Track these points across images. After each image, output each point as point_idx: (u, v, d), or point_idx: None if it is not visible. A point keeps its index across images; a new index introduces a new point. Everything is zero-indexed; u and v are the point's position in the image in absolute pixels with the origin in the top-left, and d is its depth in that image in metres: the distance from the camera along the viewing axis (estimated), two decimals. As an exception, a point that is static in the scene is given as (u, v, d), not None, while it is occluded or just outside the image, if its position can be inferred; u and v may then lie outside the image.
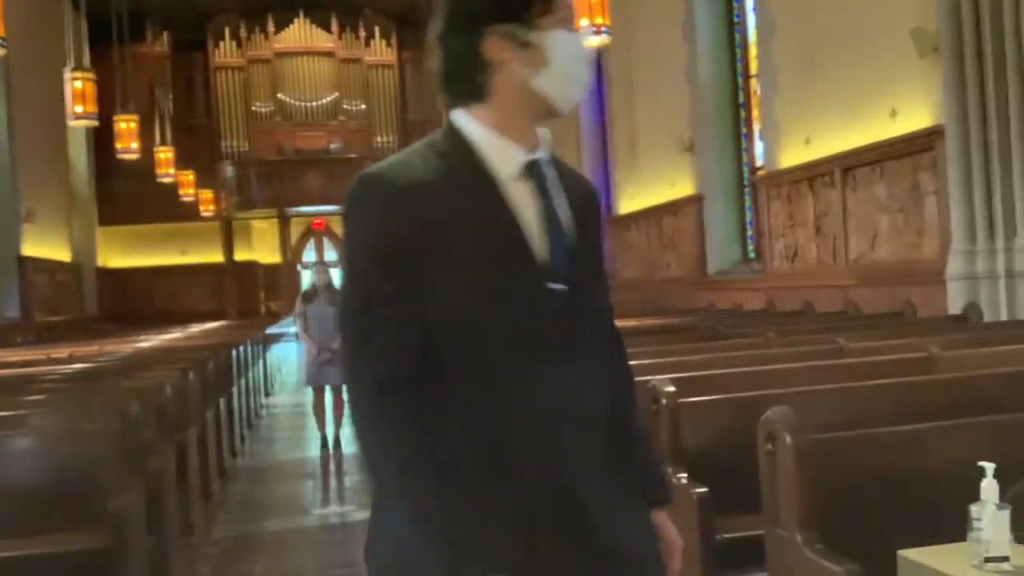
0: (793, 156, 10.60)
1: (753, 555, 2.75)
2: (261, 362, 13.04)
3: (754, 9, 11.94)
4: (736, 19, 13.17)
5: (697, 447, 3.41)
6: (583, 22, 8.74)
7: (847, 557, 2.26)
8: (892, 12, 8.45)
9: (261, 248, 26.52)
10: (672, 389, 3.47)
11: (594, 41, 8.99)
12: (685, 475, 3.29)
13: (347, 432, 8.97)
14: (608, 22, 9.14)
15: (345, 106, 26.71)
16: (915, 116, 8.30)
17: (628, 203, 16.36)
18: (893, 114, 8.61)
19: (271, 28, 26.35)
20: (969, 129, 7.36)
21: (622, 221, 16.77)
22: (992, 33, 7.19)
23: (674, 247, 14.26)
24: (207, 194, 24.07)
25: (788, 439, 2.44)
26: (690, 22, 13.29)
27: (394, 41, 27.07)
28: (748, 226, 13.07)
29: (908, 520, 2.33)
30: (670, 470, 3.36)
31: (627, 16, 14.18)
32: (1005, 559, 1.56)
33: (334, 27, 26.64)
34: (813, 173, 10.13)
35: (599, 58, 17.39)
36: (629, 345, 6.03)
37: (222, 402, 7.58)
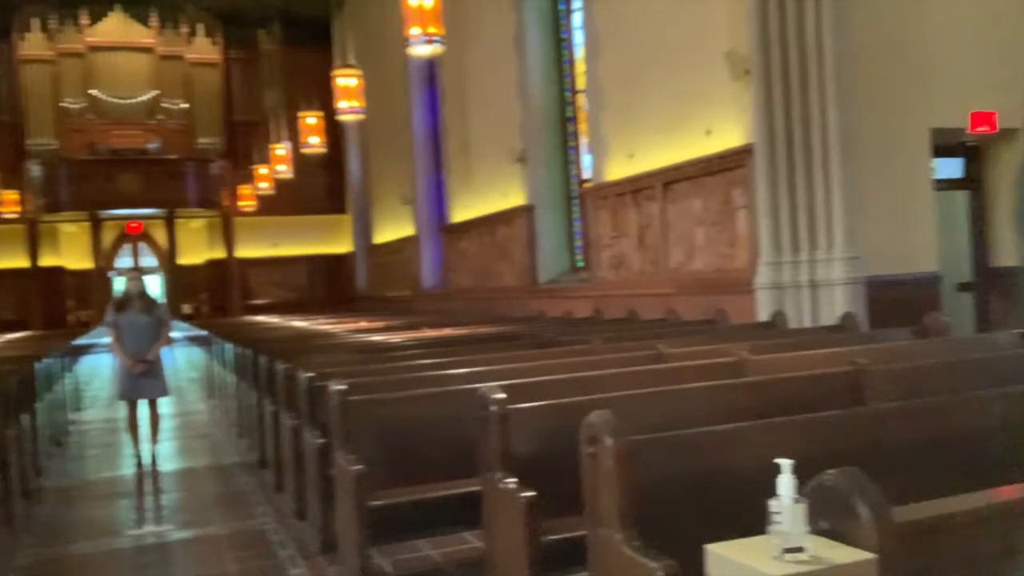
0: (618, 170, 11.02)
1: (578, 556, 2.83)
2: (69, 375, 12.20)
3: (581, 27, 12.34)
4: (564, 36, 13.56)
5: (527, 452, 3.47)
6: (415, 31, 8.75)
7: (665, 554, 2.37)
8: (708, 36, 8.96)
9: (70, 253, 24.81)
10: (502, 396, 3.52)
11: (426, 50, 9.01)
12: (514, 480, 3.35)
13: (164, 448, 8.53)
14: (442, 31, 9.19)
15: (165, 104, 25.48)
16: (729, 135, 8.83)
17: (462, 212, 16.48)
18: (709, 133, 9.12)
19: (85, 20, 24.78)
20: (776, 149, 7.91)
21: (455, 230, 16.87)
22: (797, 59, 7.77)
23: (507, 256, 14.49)
24: (11, 195, 22.37)
25: (608, 441, 2.53)
26: (521, 37, 13.58)
27: (220, 39, 26.10)
28: (576, 236, 13.47)
29: (722, 516, 2.46)
30: (499, 475, 3.40)
31: (461, 28, 14.31)
32: (800, 549, 1.69)
33: (153, 22, 25.39)
34: (637, 187, 10.57)
35: (433, 67, 17.47)
36: (461, 353, 6.08)
37: (24, 419, 7.03)
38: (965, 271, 9.48)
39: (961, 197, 9.45)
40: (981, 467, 2.82)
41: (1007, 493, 1.96)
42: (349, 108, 15.02)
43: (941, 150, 8.84)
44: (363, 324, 11.82)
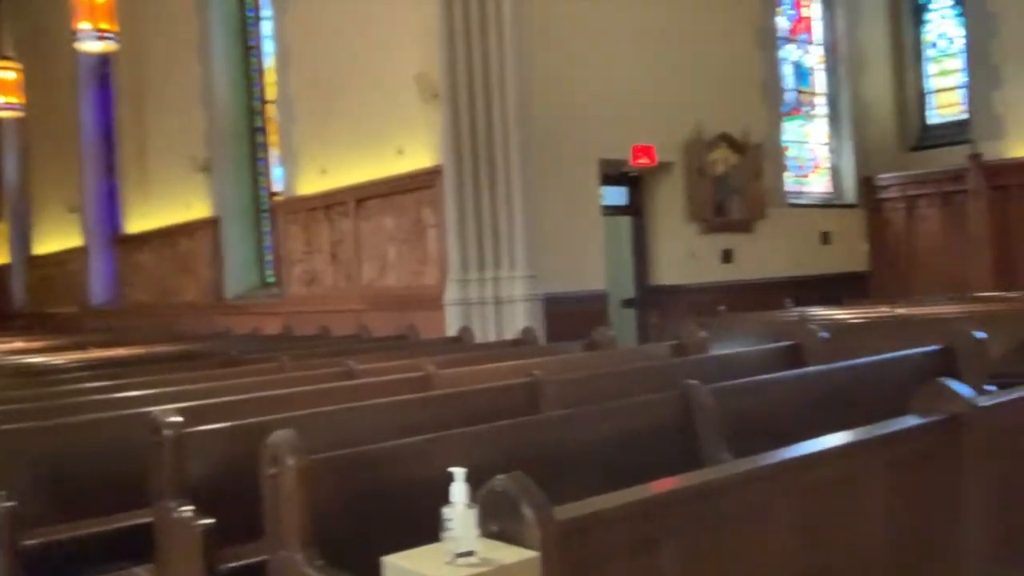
0: (311, 184, 10.87)
1: (259, 582, 2.73)
2: None
3: (272, 37, 12.04)
4: (252, 43, 13.14)
5: (206, 477, 3.29)
6: (85, 25, 8.04)
7: (351, 571, 2.35)
8: (399, 57, 9.13)
9: None
10: (177, 419, 3.31)
11: (97, 46, 8.32)
12: (190, 508, 3.16)
13: None
14: (115, 28, 8.53)
15: None
16: (420, 155, 9.05)
17: (139, 222, 15.31)
18: (400, 152, 9.29)
19: None
20: (463, 171, 8.25)
21: (131, 241, 15.64)
22: (483, 87, 8.17)
23: (190, 270, 13.68)
24: None
25: (290, 461, 2.47)
26: (204, 42, 12.94)
27: None
28: (267, 251, 13.06)
29: (407, 528, 2.50)
30: (173, 504, 3.20)
31: (139, 26, 13.36)
32: (471, 553, 1.77)
33: None
34: (329, 202, 10.48)
35: (107, 65, 16.13)
36: (134, 375, 5.66)
37: None
38: (629, 289, 10.47)
39: (625, 222, 10.45)
40: (640, 464, 3.11)
41: (658, 487, 2.19)
42: (5, 104, 13.47)
43: (608, 179, 9.72)
44: (20, 345, 10.57)
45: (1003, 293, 9.67)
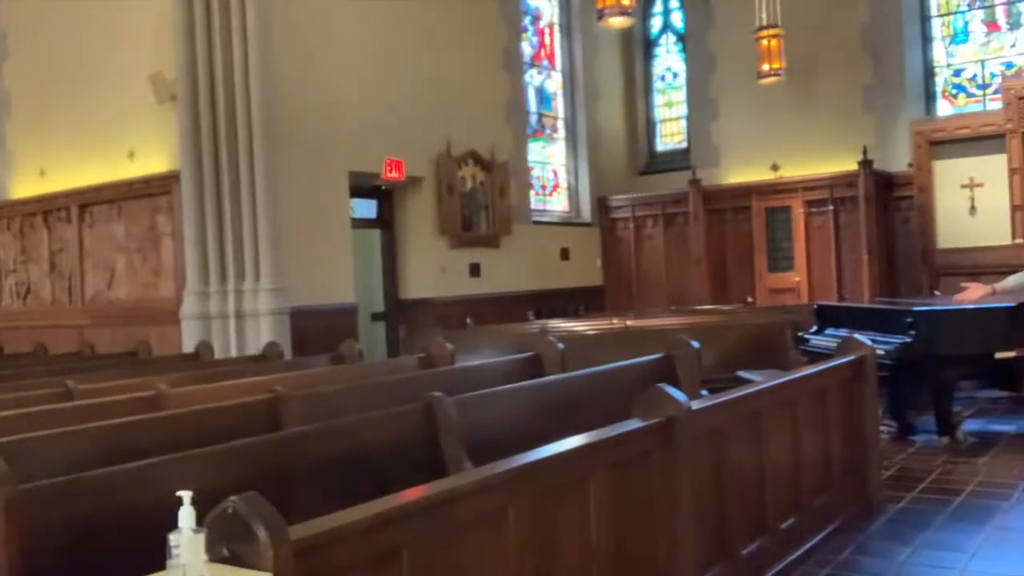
0: (27, 187, 9.89)
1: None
2: None
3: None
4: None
5: None
6: None
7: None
8: (133, 55, 8.54)
9: None
10: None
11: None
12: None
13: None
14: None
15: None
16: (154, 159, 8.51)
17: None
18: (132, 155, 8.69)
19: None
20: (203, 176, 7.85)
21: None
22: (225, 91, 7.82)
23: None
24: None
25: (-7, 492, 2.23)
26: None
27: None
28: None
29: (137, 558, 2.34)
30: None
31: None
32: (198, 579, 1.68)
33: None
34: (49, 207, 9.59)
35: None
36: None
37: None
38: (379, 302, 10.46)
39: (375, 235, 10.43)
40: (385, 477, 3.10)
41: (396, 499, 2.20)
42: None
43: (359, 191, 9.67)
44: None
45: (718, 306, 10.70)
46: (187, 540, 1.68)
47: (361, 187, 9.72)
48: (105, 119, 8.88)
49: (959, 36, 11.50)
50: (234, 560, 1.77)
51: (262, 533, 1.73)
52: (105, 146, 8.89)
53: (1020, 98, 9.64)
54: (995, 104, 10.67)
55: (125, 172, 8.73)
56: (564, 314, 11.48)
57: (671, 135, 13.97)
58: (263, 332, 7.74)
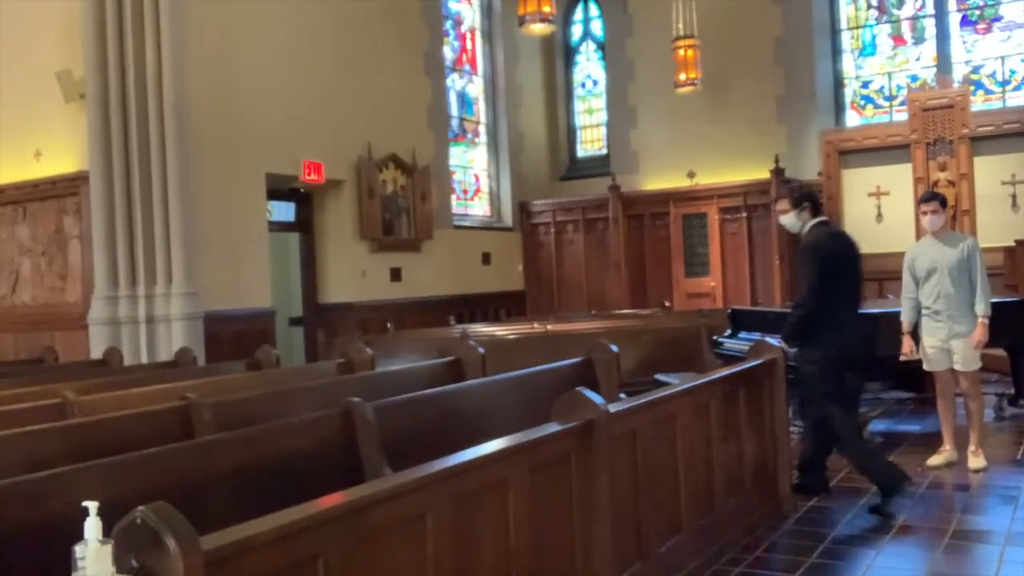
0: (-77, 186, 9.42)
1: None
2: None
3: None
4: None
5: None
6: None
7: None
8: (38, 52, 8.23)
9: None
10: None
11: None
12: None
13: None
14: None
15: None
16: (62, 159, 8.22)
17: None
18: (38, 155, 8.37)
19: None
20: (113, 177, 7.60)
21: None
22: (136, 90, 7.59)
23: None
24: None
25: None
26: None
27: None
28: None
29: (41, 572, 2.25)
30: None
31: None
32: (106, 592, 1.63)
33: None
34: (-53, 208, 9.16)
35: None
36: None
37: None
38: (297, 307, 10.30)
39: (294, 239, 10.28)
40: (303, 484, 3.05)
41: (312, 506, 2.16)
42: None
43: (276, 194, 9.50)
44: None
45: (636, 311, 10.87)
46: (93, 552, 1.63)
47: (279, 190, 9.57)
48: (10, 117, 8.54)
49: (867, 49, 11.95)
50: (143, 572, 1.71)
51: (171, 543, 1.68)
52: (10, 145, 8.54)
53: (925, 110, 10.06)
54: (901, 115, 11.13)
55: (31, 172, 8.40)
56: (485, 318, 11.49)
57: (591, 141, 14.14)
58: (175, 338, 7.52)
